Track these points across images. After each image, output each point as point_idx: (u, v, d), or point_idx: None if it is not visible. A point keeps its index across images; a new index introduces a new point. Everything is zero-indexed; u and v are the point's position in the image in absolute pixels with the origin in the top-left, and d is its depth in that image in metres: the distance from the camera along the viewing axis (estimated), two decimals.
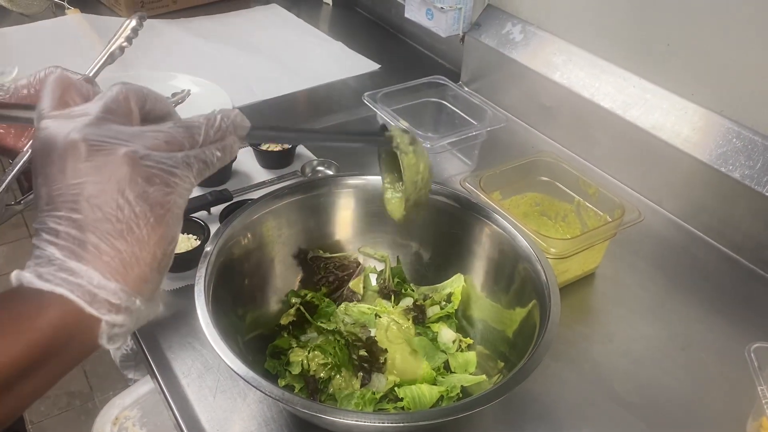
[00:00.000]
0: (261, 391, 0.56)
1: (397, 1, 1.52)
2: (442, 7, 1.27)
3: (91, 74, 0.67)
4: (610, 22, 1.06)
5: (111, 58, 0.69)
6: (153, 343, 0.77)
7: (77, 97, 0.43)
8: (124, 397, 1.12)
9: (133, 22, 0.69)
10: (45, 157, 0.39)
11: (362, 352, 0.69)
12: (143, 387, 1.14)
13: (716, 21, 0.91)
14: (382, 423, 0.54)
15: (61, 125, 0.40)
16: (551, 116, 1.18)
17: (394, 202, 0.66)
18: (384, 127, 0.63)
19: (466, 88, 1.33)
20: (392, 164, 0.65)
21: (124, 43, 0.69)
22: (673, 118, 0.99)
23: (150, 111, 0.44)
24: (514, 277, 0.73)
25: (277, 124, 0.75)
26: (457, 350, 0.75)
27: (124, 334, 0.40)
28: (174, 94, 0.73)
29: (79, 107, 0.41)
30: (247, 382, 0.57)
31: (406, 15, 1.36)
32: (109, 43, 0.69)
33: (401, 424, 0.55)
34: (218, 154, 0.44)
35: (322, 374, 0.68)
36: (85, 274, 0.38)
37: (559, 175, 0.94)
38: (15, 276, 0.40)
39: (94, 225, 0.39)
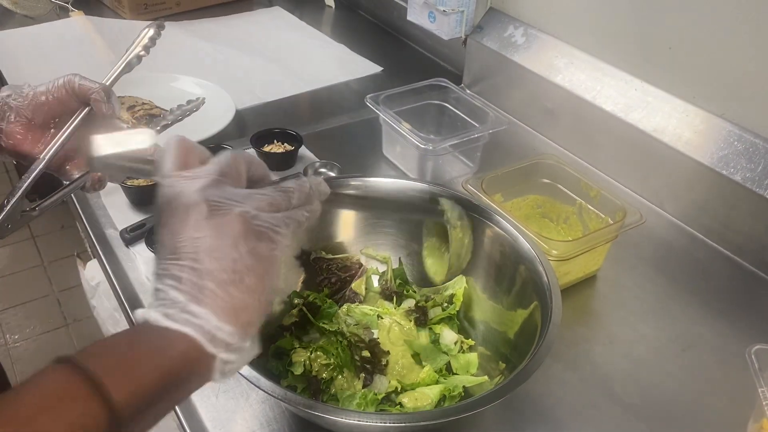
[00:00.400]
0: (263, 390, 0.56)
1: (399, 4, 1.53)
2: (444, 10, 1.27)
3: (107, 83, 0.68)
4: (612, 25, 1.07)
5: (128, 67, 0.70)
6: None
7: (196, 160, 0.48)
8: None
9: (151, 32, 0.69)
10: (170, 212, 0.45)
11: (365, 353, 0.69)
12: None
13: (718, 25, 0.92)
14: (384, 423, 0.54)
15: (186, 185, 0.45)
16: (553, 119, 1.19)
17: (436, 268, 0.77)
18: (436, 200, 0.71)
19: (468, 91, 1.33)
20: (435, 232, 0.75)
21: (142, 52, 0.69)
22: (674, 121, 1.00)
23: (253, 174, 0.50)
24: (516, 279, 0.73)
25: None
26: (458, 352, 0.75)
27: (233, 371, 0.45)
28: (189, 102, 0.74)
29: (200, 169, 0.47)
30: (250, 381, 0.57)
31: (409, 18, 1.37)
32: (127, 52, 0.70)
33: (403, 424, 0.55)
34: (306, 215, 0.50)
35: (324, 375, 0.68)
36: (204, 316, 0.43)
37: (560, 178, 0.94)
38: (141, 314, 0.44)
39: (212, 274, 0.43)
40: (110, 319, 1.61)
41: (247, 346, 0.45)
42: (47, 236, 2.52)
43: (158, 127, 0.72)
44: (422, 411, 0.64)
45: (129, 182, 0.95)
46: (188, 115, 0.74)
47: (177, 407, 0.72)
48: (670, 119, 1.00)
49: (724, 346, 0.82)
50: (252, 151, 1.06)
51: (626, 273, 0.93)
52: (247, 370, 0.58)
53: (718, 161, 0.94)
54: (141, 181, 0.95)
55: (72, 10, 1.55)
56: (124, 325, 1.53)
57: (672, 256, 0.97)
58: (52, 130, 0.67)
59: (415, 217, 0.75)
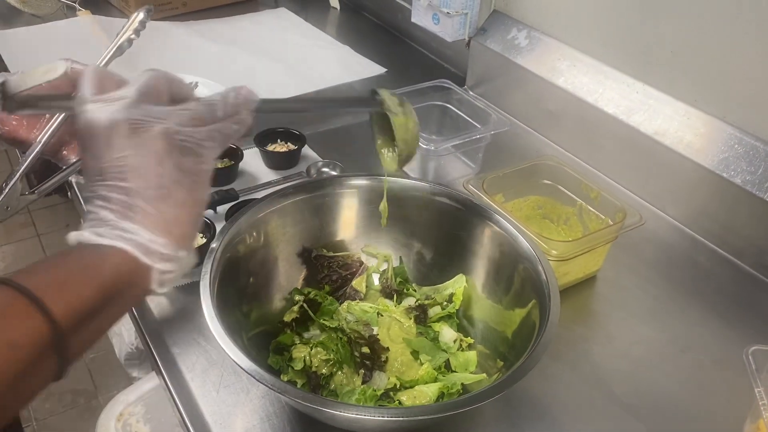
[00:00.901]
0: (264, 383, 0.56)
1: (403, 6, 1.53)
2: (448, 12, 1.28)
3: (101, 66, 0.68)
4: (615, 28, 1.07)
5: (119, 51, 0.71)
6: (158, 339, 0.78)
7: (113, 84, 0.48)
8: (128, 393, 1.13)
9: (141, 15, 0.71)
10: (91, 137, 0.46)
11: (364, 350, 0.70)
12: (147, 384, 1.15)
13: (719, 29, 0.92)
14: (382, 417, 0.55)
15: (103, 108, 0.46)
16: (555, 121, 1.19)
17: (389, 160, 0.73)
18: (374, 91, 0.69)
19: (471, 92, 1.34)
20: (383, 125, 0.72)
21: (132, 36, 0.71)
22: (676, 123, 1.00)
23: (176, 93, 0.50)
24: (515, 278, 0.73)
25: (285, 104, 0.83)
26: (458, 350, 0.76)
27: (171, 281, 0.47)
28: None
29: (118, 92, 0.47)
30: (251, 375, 0.57)
31: (413, 19, 1.37)
32: (118, 35, 0.71)
33: (401, 419, 0.56)
34: (235, 127, 0.51)
35: (324, 370, 0.69)
36: (136, 231, 0.45)
37: (561, 179, 0.95)
38: (74, 236, 0.45)
39: (140, 191, 0.45)
40: None
41: (183, 256, 0.47)
42: (52, 234, 2.53)
43: None
44: (420, 406, 0.65)
45: None
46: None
47: (179, 403, 0.72)
48: (672, 122, 1.00)
49: (723, 347, 0.82)
50: (255, 151, 1.07)
51: (626, 274, 0.93)
52: (247, 364, 0.58)
53: (719, 164, 0.94)
54: None
55: (79, 10, 1.56)
56: (128, 322, 1.54)
57: (672, 258, 0.98)
58: (47, 116, 0.67)
59: (357, 110, 0.74)
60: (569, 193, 0.94)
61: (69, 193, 1.24)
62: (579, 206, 0.93)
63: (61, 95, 0.52)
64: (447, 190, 0.80)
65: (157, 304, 0.83)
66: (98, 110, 0.46)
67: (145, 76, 0.48)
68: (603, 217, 0.90)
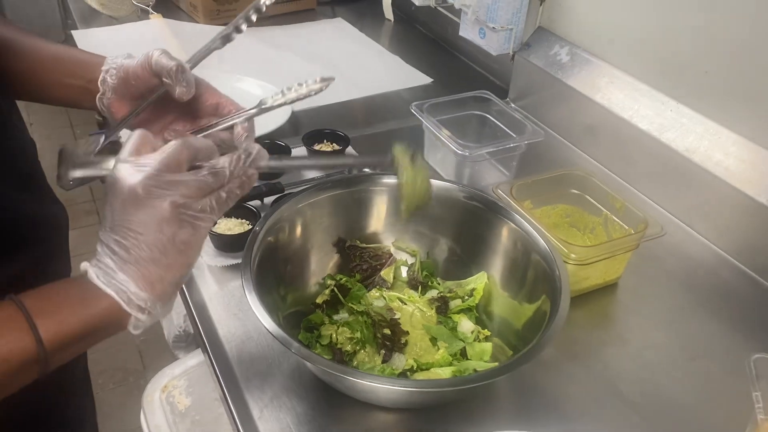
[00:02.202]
0: (291, 350, 0.63)
1: (453, 20, 1.60)
2: (494, 27, 1.34)
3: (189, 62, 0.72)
4: (651, 48, 1.11)
5: (214, 44, 0.72)
6: (205, 317, 0.86)
7: (148, 150, 0.56)
8: (173, 367, 1.22)
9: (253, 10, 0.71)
10: (114, 193, 0.54)
11: (386, 331, 0.76)
12: (191, 360, 1.24)
13: (752, 51, 0.95)
14: (393, 386, 0.61)
15: (129, 172, 0.53)
16: (592, 135, 1.23)
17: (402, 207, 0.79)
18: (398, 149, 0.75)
19: (513, 105, 1.39)
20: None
21: (233, 33, 0.72)
22: (706, 142, 1.03)
23: (196, 159, 0.56)
24: (529, 273, 0.78)
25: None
26: (474, 340, 0.81)
27: (144, 326, 0.55)
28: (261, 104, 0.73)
29: (144, 159, 0.54)
30: (283, 344, 0.64)
31: (461, 33, 1.44)
32: (220, 32, 0.72)
33: (411, 389, 0.62)
34: (237, 192, 0.58)
35: (348, 347, 0.76)
36: (126, 283, 0.53)
37: (589, 189, 0.99)
38: (83, 267, 0.54)
39: (137, 250, 0.53)
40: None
41: (158, 310, 0.55)
42: None
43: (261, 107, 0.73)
44: (429, 380, 0.70)
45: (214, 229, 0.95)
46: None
47: (217, 371, 0.80)
48: (702, 140, 1.03)
49: (734, 358, 0.85)
50: (302, 150, 1.15)
51: (647, 284, 0.97)
52: (281, 335, 0.65)
53: (747, 183, 0.97)
54: (225, 229, 0.96)
55: (152, 13, 1.69)
56: (178, 306, 1.65)
57: (696, 272, 1.00)
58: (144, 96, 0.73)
59: (371, 164, 0.82)
60: (596, 203, 0.98)
61: None
62: (605, 216, 0.97)
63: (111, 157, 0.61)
64: (472, 191, 0.86)
65: (204, 281, 0.91)
66: (122, 170, 0.53)
67: (170, 147, 0.55)
68: (626, 227, 0.94)
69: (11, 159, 0.71)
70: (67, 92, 0.76)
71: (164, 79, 0.69)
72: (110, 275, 0.53)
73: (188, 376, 1.22)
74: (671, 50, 1.07)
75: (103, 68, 0.74)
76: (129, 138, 0.56)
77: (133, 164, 0.54)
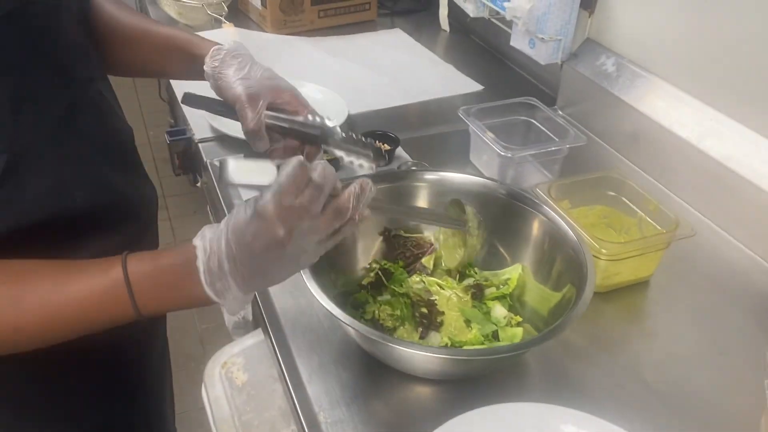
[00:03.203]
0: (341, 320, 0.72)
1: (505, 31, 1.66)
2: (543, 38, 1.40)
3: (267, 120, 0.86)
4: (693, 58, 1.15)
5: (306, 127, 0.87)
6: (267, 301, 0.96)
7: (304, 180, 0.60)
8: (233, 346, 1.33)
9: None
10: (249, 213, 0.59)
11: (423, 310, 0.84)
12: (249, 340, 1.34)
13: None
14: (426, 353, 0.68)
15: (268, 204, 0.58)
16: (633, 141, 1.28)
17: (448, 258, 0.95)
18: (458, 202, 0.90)
19: (561, 112, 1.45)
20: (453, 231, 0.93)
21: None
22: (744, 150, 1.06)
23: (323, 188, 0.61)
24: (557, 263, 0.85)
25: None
26: (506, 325, 0.88)
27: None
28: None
29: (287, 194, 0.58)
30: (335, 316, 0.72)
31: (512, 43, 1.50)
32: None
33: (443, 357, 0.69)
34: (348, 231, 0.64)
35: (389, 323, 0.84)
36: (228, 285, 0.61)
37: (625, 192, 1.04)
38: (195, 241, 0.61)
39: (245, 263, 0.59)
40: None
41: (233, 304, 0.62)
42: (181, 218, 2.86)
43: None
44: (458, 349, 0.78)
45: None
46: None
47: (274, 341, 0.89)
48: (740, 148, 1.07)
49: (763, 356, 0.88)
50: None
51: (679, 283, 1.01)
52: (332, 307, 0.74)
53: None
54: None
55: (224, 22, 1.82)
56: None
57: (730, 275, 1.04)
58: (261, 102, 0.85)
59: (440, 225, 0.94)
60: (631, 205, 1.03)
61: (198, 183, 1.46)
62: (639, 218, 1.02)
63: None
64: (508, 187, 0.93)
65: None
66: (266, 202, 0.58)
67: (288, 167, 0.59)
68: (659, 228, 0.99)
69: (117, 144, 0.83)
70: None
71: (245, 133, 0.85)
72: (216, 277, 0.60)
73: (245, 355, 1.32)
74: (711, 61, 1.12)
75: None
76: (286, 169, 0.59)
77: (273, 195, 0.58)
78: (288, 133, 0.86)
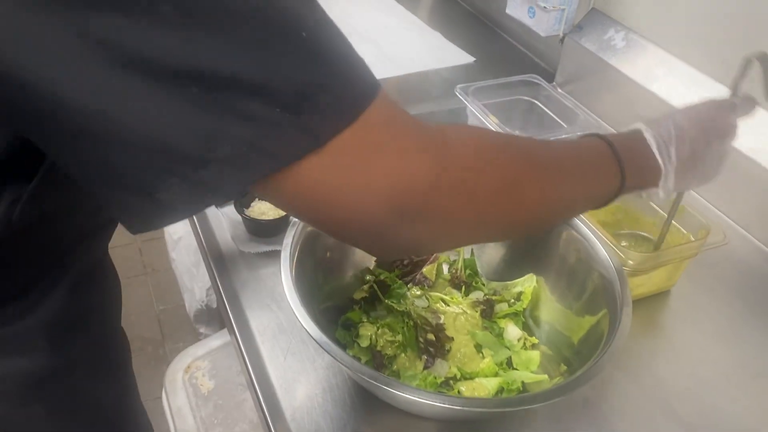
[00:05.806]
0: (331, 355, 0.59)
1: None
2: (545, 6, 1.26)
3: None
4: (715, 37, 1.03)
5: None
6: (235, 300, 0.82)
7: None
8: (197, 348, 1.19)
9: None
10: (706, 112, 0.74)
11: (429, 336, 0.71)
12: (215, 341, 1.21)
13: None
14: (442, 404, 0.56)
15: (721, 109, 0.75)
16: None
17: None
18: None
19: (560, 90, 1.32)
20: None
21: None
22: None
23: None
24: (588, 285, 0.73)
25: None
26: (521, 348, 0.76)
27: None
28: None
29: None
30: (321, 346, 0.60)
31: (508, 11, 1.36)
32: None
33: (459, 408, 0.57)
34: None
35: (388, 351, 0.71)
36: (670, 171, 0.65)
37: None
38: (640, 127, 0.67)
39: (687, 156, 0.66)
40: (187, 273, 1.70)
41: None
42: None
43: None
44: (479, 398, 0.66)
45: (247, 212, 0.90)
46: None
47: (249, 364, 0.76)
48: (766, 138, 0.96)
49: None
50: None
51: (702, 293, 0.91)
52: (318, 334, 0.61)
53: None
54: (258, 213, 0.91)
55: None
56: (200, 280, 1.61)
57: (754, 281, 0.94)
58: None
59: None
60: (653, 206, 0.92)
61: None
62: (660, 218, 0.91)
63: None
64: None
65: (236, 267, 0.87)
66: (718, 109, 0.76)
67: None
68: (685, 232, 0.88)
69: None
70: None
71: None
72: (665, 152, 0.64)
73: (212, 358, 1.19)
74: (737, 40, 1.00)
75: None
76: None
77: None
78: None
